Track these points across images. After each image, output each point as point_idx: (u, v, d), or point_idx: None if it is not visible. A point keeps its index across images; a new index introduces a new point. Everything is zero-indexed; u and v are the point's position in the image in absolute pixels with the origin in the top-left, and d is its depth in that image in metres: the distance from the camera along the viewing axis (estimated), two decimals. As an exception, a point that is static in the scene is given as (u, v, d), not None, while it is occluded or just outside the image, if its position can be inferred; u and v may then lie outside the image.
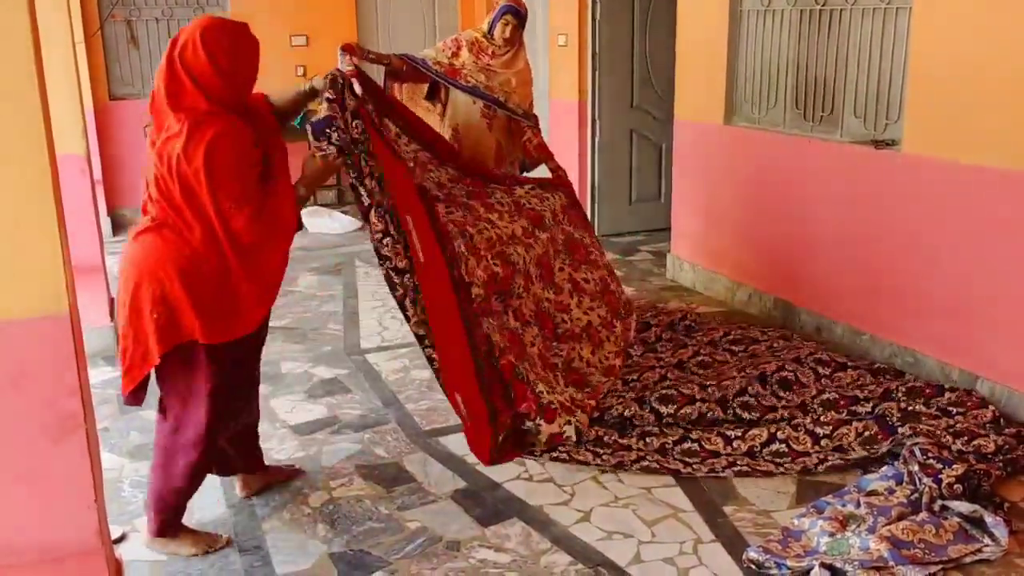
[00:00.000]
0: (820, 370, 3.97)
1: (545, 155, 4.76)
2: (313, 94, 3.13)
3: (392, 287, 3.32)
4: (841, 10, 4.41)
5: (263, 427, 3.80)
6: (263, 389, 4.19)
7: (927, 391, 3.68)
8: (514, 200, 4.27)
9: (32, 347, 2.10)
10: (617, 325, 4.41)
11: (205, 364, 2.72)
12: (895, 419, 3.48)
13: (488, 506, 3.16)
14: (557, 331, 4.08)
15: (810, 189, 4.64)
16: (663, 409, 3.64)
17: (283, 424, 3.85)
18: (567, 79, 7.09)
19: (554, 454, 3.35)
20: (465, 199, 4.06)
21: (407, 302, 3.31)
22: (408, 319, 3.34)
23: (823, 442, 3.41)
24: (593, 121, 6.94)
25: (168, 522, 2.87)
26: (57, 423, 2.15)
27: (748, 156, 5.14)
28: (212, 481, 3.35)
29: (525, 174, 4.88)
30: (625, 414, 3.66)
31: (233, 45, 2.67)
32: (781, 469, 3.30)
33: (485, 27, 4.60)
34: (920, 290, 4.02)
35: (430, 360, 3.38)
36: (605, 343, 4.23)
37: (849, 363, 4.01)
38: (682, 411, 3.63)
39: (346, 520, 3.09)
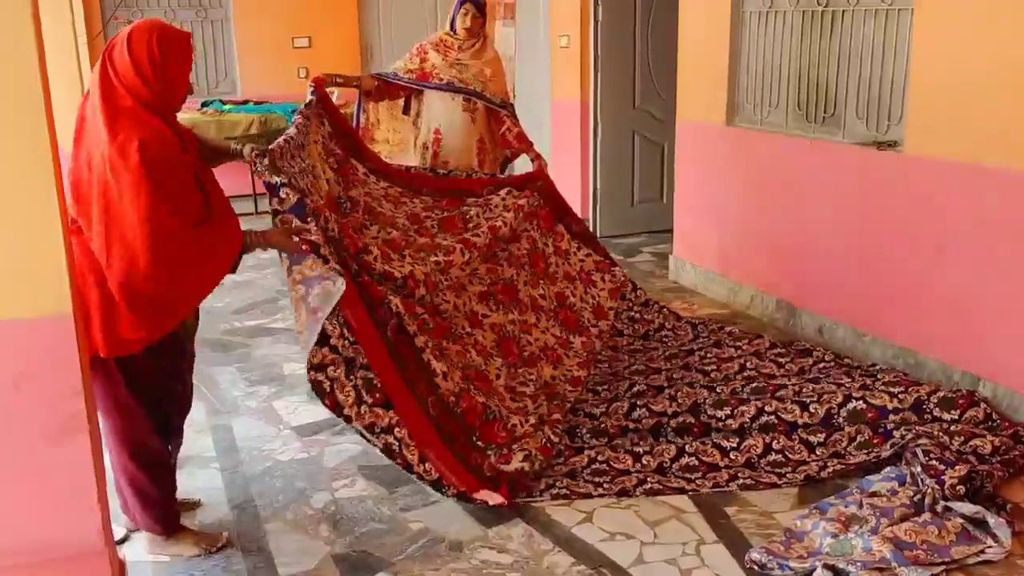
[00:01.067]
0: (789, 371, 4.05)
1: (525, 145, 4.79)
2: (236, 156, 2.97)
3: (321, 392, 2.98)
4: (843, 11, 4.41)
5: (267, 429, 3.82)
6: (266, 390, 4.23)
7: (902, 383, 3.73)
8: (488, 219, 4.27)
9: (35, 347, 2.10)
10: (575, 340, 4.41)
11: (119, 374, 2.62)
12: (889, 424, 3.47)
13: (490, 507, 3.15)
14: (523, 354, 4.08)
15: (812, 190, 4.64)
16: (636, 425, 3.65)
17: (286, 425, 3.85)
18: (569, 80, 7.09)
19: (554, 491, 3.25)
20: (436, 233, 4.07)
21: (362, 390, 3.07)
22: (358, 413, 3.04)
23: (819, 450, 3.41)
24: (595, 122, 6.94)
25: (159, 518, 2.84)
26: (60, 424, 2.16)
27: (750, 157, 5.14)
28: (215, 482, 3.37)
29: (508, 167, 4.91)
30: (603, 426, 3.65)
31: (160, 49, 2.53)
32: (784, 479, 3.28)
33: (447, 26, 4.64)
34: (922, 292, 4.02)
35: (391, 446, 3.08)
36: (564, 359, 4.24)
37: (822, 377, 3.93)
38: (658, 423, 3.64)
39: (349, 521, 3.09)
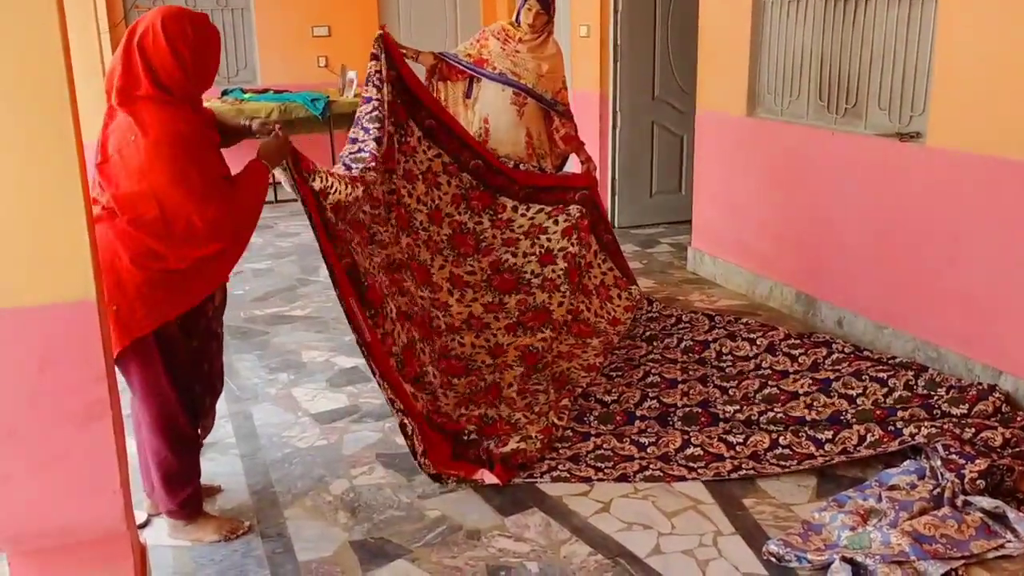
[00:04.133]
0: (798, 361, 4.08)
1: (573, 146, 4.79)
2: (248, 132, 2.99)
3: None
4: (866, 0, 4.37)
5: (286, 416, 3.85)
6: (285, 377, 4.25)
7: (908, 373, 3.76)
8: (496, 246, 4.39)
9: (59, 333, 2.12)
10: (592, 340, 4.44)
11: (159, 356, 2.67)
12: (898, 422, 3.45)
13: (508, 496, 3.17)
14: (538, 365, 4.12)
15: (833, 182, 4.61)
16: (644, 413, 3.69)
17: (304, 412, 3.87)
18: (589, 70, 7.07)
19: (555, 473, 3.27)
20: (443, 248, 4.17)
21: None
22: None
23: (827, 447, 3.39)
24: (614, 113, 6.92)
25: (184, 502, 2.87)
26: (83, 409, 2.17)
27: (771, 148, 5.11)
28: (235, 468, 3.39)
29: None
30: (611, 411, 3.70)
31: (196, 35, 2.56)
32: (788, 471, 3.27)
33: (514, 17, 4.65)
34: (944, 284, 3.99)
35: (405, 427, 3.23)
36: (581, 355, 4.27)
37: (833, 379, 3.87)
38: (665, 411, 3.68)
39: (367, 508, 3.11)
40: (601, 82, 6.94)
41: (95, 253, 2.17)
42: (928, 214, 4.03)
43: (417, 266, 4.07)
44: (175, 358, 2.72)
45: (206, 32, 2.61)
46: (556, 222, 4.55)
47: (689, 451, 3.39)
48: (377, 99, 3.92)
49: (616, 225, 7.08)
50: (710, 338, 4.38)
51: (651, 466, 3.31)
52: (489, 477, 3.21)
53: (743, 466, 3.30)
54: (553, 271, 4.47)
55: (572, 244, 4.56)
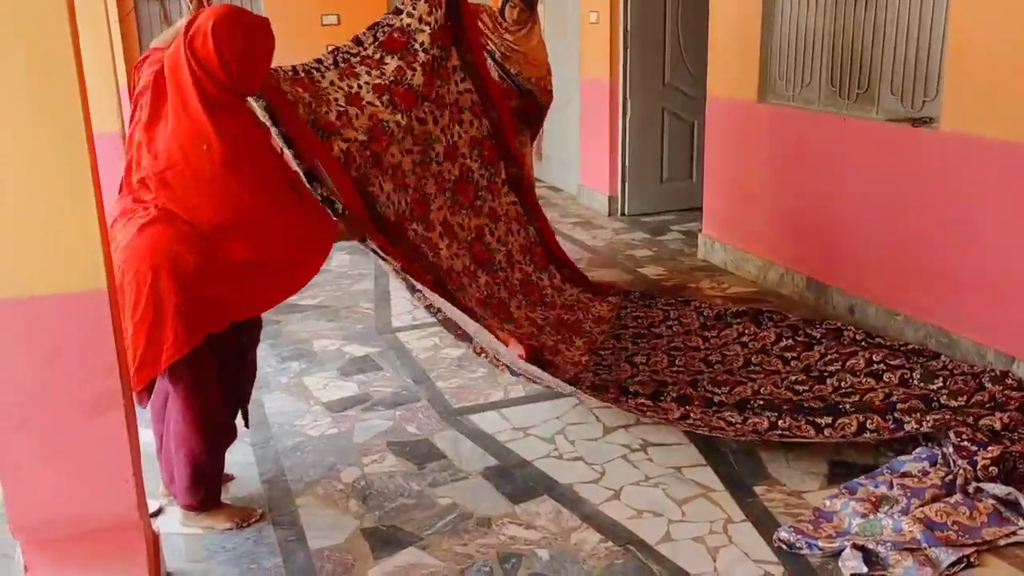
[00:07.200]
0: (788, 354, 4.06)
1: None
2: None
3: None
4: (878, -15, 4.34)
5: (297, 405, 3.86)
6: (296, 366, 4.26)
7: (915, 363, 3.78)
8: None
9: (70, 323, 2.13)
10: (577, 340, 4.40)
11: (207, 354, 2.70)
12: (897, 413, 3.41)
13: (518, 483, 3.17)
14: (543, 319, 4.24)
15: (845, 168, 4.58)
16: (637, 387, 3.69)
17: (316, 401, 3.89)
18: (598, 57, 7.04)
19: (586, 383, 3.47)
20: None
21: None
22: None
23: (826, 431, 3.34)
24: (624, 99, 6.89)
25: (205, 496, 2.89)
26: (95, 399, 2.18)
27: (782, 134, 5.08)
28: (247, 456, 3.41)
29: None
30: (604, 384, 3.73)
31: (246, 43, 2.53)
32: (795, 438, 3.26)
33: (499, 7, 4.73)
34: (956, 271, 3.96)
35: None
36: (564, 352, 4.18)
37: (828, 376, 3.84)
38: (657, 391, 3.67)
39: (378, 496, 3.12)
40: (611, 68, 6.91)
41: (106, 243, 2.18)
42: (941, 200, 4.00)
43: (419, 199, 4.02)
44: (227, 355, 2.76)
45: (257, 39, 2.57)
46: (527, 231, 4.59)
47: (689, 421, 3.38)
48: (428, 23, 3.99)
49: (626, 212, 7.08)
50: (700, 342, 4.29)
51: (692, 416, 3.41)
52: (515, 346, 3.40)
53: (746, 435, 3.29)
54: (511, 276, 4.51)
55: (526, 263, 4.62)
